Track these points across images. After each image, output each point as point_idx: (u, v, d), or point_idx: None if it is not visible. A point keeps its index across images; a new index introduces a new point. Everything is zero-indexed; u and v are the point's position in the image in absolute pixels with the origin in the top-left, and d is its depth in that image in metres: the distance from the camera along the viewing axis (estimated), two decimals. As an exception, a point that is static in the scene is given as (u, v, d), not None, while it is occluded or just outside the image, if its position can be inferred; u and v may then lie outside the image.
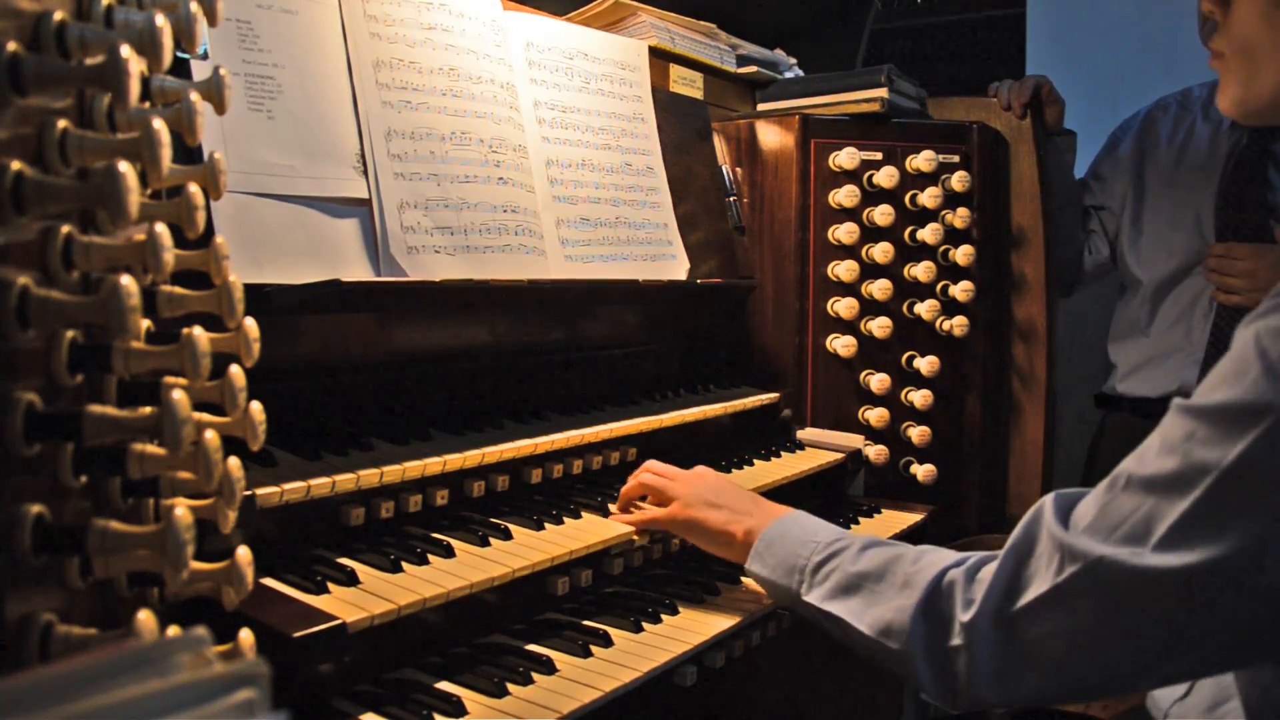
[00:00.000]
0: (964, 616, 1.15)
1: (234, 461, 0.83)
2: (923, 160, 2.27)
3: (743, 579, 1.65)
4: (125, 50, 0.71)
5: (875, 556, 1.31)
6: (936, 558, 1.25)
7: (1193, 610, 0.98)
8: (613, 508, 1.58)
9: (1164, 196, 2.57)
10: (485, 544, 1.37)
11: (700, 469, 1.63)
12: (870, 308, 2.25)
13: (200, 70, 1.32)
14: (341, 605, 1.13)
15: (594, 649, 1.34)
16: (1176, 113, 2.63)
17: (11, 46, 0.69)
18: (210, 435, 0.77)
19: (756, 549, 1.45)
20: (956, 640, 1.16)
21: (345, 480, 1.27)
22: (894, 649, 1.22)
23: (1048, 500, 1.12)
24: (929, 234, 2.27)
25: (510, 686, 1.21)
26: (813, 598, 1.35)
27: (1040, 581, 1.08)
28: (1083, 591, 1.04)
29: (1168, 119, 2.63)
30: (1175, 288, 2.52)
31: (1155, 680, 1.14)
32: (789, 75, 2.59)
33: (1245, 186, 2.40)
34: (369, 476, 1.30)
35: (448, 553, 1.32)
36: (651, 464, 1.63)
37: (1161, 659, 1.04)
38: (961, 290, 2.29)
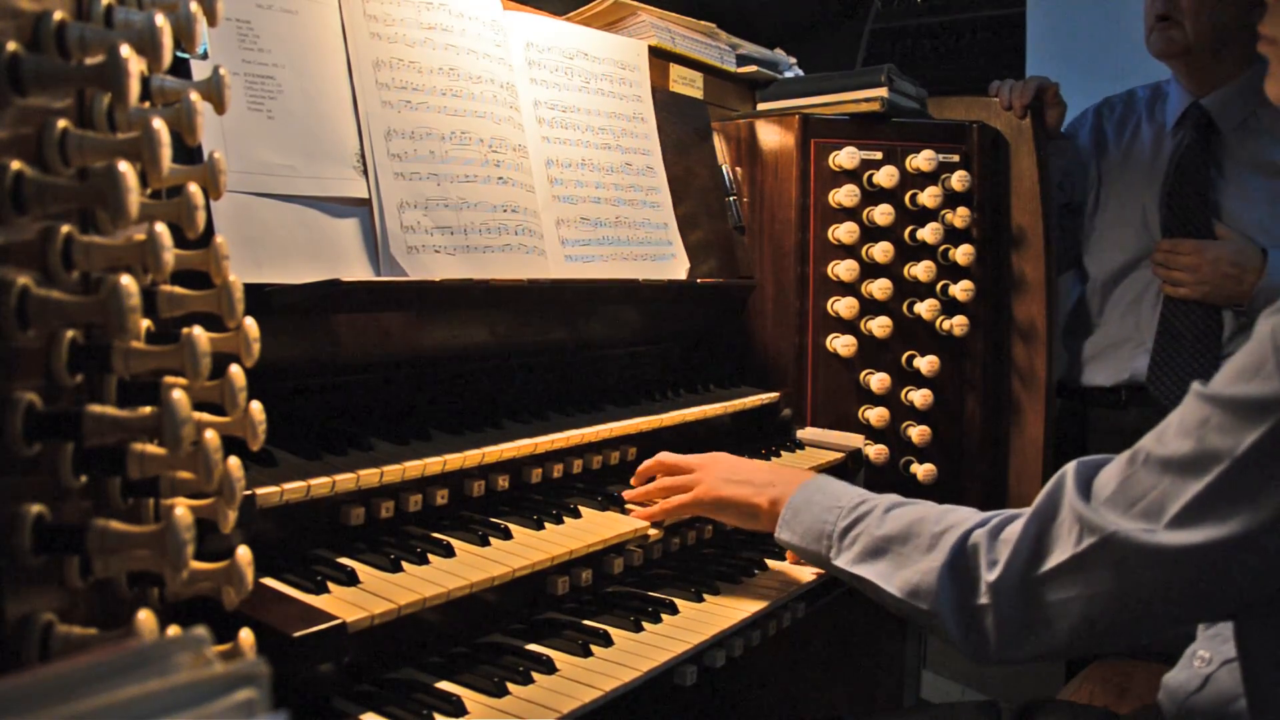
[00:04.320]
0: (989, 576, 1.21)
1: (234, 461, 0.83)
2: (923, 160, 2.27)
3: (742, 578, 1.65)
4: (125, 50, 0.71)
5: (900, 518, 1.36)
6: (959, 517, 1.31)
7: (1198, 583, 1.06)
8: (628, 497, 1.62)
9: (1113, 193, 2.64)
10: (485, 544, 1.37)
11: (715, 453, 1.68)
12: (870, 307, 2.25)
13: (200, 70, 1.32)
14: (341, 605, 1.13)
15: (594, 648, 1.34)
16: (1122, 113, 2.70)
17: (11, 46, 0.69)
18: (210, 435, 0.77)
19: (784, 518, 1.50)
20: (983, 599, 1.22)
21: (345, 480, 1.27)
22: (923, 609, 1.29)
23: (1069, 470, 1.17)
24: (929, 233, 2.27)
25: (510, 686, 1.21)
26: (842, 562, 1.41)
27: (1061, 550, 1.15)
28: (1099, 562, 1.11)
29: (1114, 117, 2.70)
30: (1123, 280, 2.59)
31: (1161, 634, 1.24)
32: (789, 75, 2.59)
33: (1187, 186, 2.48)
34: (369, 476, 1.30)
35: (448, 552, 1.32)
36: (663, 456, 1.68)
37: (1168, 620, 1.14)
38: (961, 290, 2.29)
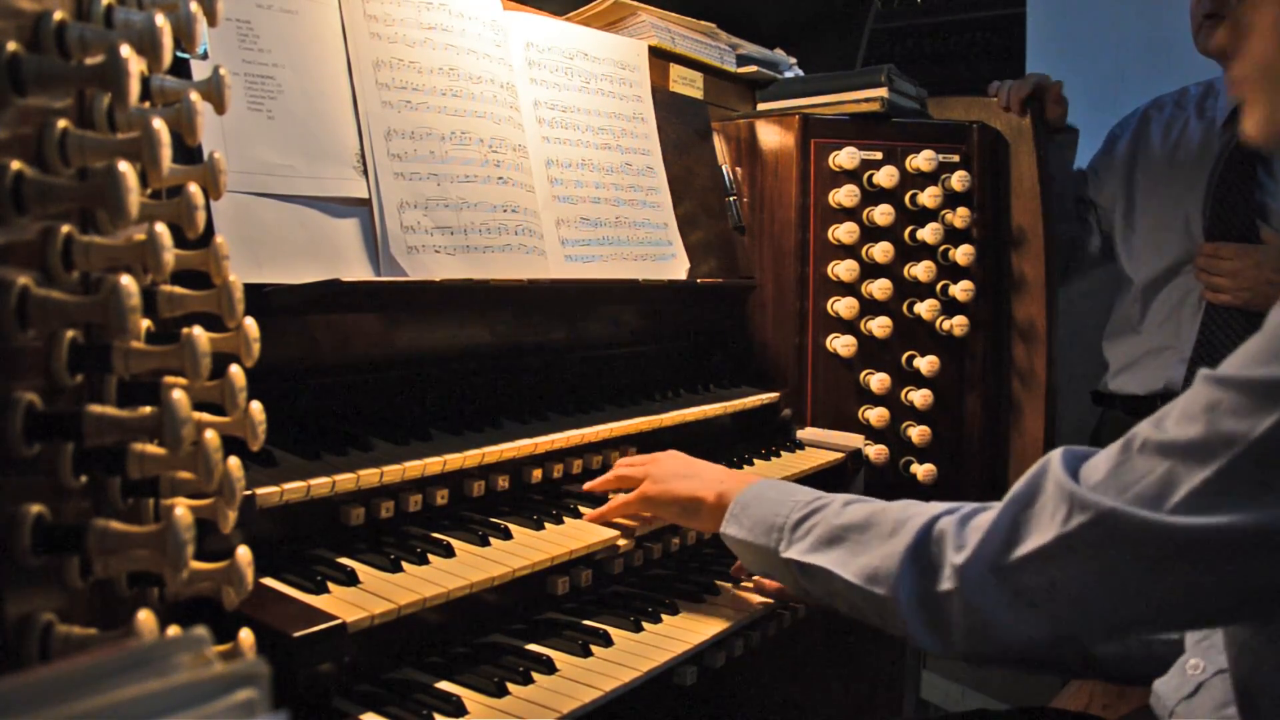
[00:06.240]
0: (956, 559, 1.13)
1: (234, 461, 0.83)
2: (923, 160, 2.27)
3: (744, 579, 1.65)
4: (125, 50, 0.71)
5: (859, 510, 1.30)
6: (924, 508, 1.23)
7: (1198, 572, 0.98)
8: (587, 488, 1.61)
9: (1155, 196, 2.58)
10: (485, 544, 1.37)
11: (671, 451, 1.65)
12: (870, 307, 2.25)
13: (200, 70, 1.32)
14: (342, 605, 1.13)
15: (594, 649, 1.34)
16: (1172, 111, 2.64)
17: (11, 46, 0.69)
18: (210, 435, 0.77)
19: (732, 511, 1.44)
20: (947, 585, 1.14)
21: (345, 480, 1.27)
22: (881, 595, 1.21)
23: (1055, 454, 1.10)
24: (929, 234, 2.27)
25: (510, 686, 1.21)
26: (793, 553, 1.33)
27: (1043, 532, 1.07)
28: (1090, 542, 1.03)
29: (1163, 117, 2.65)
30: (1165, 286, 2.54)
31: (1145, 632, 1.13)
32: (789, 75, 2.59)
33: (1234, 186, 2.41)
34: (369, 476, 1.30)
35: (448, 552, 1.32)
36: (623, 460, 1.68)
37: (1159, 614, 1.05)
38: (961, 290, 2.29)
